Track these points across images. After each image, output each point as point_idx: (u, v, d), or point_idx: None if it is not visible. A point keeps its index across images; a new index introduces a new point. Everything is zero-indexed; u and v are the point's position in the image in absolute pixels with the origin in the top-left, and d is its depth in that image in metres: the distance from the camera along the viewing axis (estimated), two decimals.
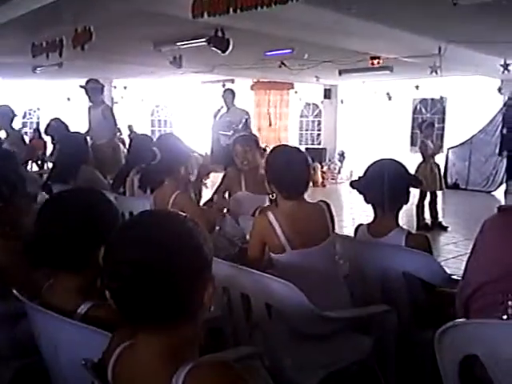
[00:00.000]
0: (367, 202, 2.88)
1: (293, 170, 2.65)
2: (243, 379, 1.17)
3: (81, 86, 7.33)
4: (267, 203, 4.13)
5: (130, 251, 1.23)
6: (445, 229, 8.72)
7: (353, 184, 2.90)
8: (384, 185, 2.75)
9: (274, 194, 2.72)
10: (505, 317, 1.48)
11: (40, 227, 1.82)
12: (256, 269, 2.43)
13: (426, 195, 8.64)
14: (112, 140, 7.08)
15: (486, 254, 1.56)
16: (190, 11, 5.71)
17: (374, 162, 2.90)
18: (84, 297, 1.74)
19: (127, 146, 6.85)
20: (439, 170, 8.96)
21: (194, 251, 1.26)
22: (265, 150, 16.48)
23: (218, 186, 4.64)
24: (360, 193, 2.86)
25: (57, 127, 6.56)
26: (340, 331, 2.39)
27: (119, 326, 1.38)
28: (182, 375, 1.14)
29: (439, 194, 9.07)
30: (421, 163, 8.79)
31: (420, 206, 8.68)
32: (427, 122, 9.25)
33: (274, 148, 2.96)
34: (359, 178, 2.88)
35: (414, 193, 8.33)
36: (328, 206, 2.69)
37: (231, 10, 5.34)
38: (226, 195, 4.62)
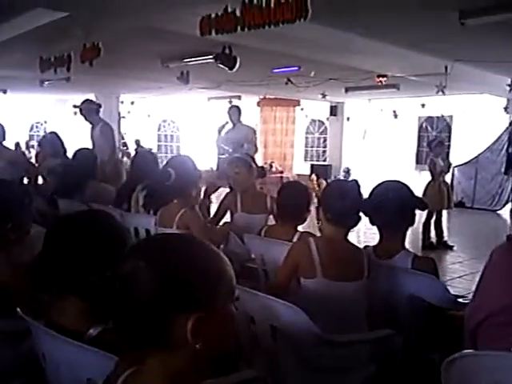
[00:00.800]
0: (372, 223, 2.87)
1: (345, 198, 2.70)
2: None
3: (75, 106, 7.32)
4: (271, 222, 4.19)
5: (125, 265, 1.23)
6: (450, 248, 8.68)
7: None
8: (389, 207, 2.75)
9: (320, 221, 2.77)
10: None
11: (47, 251, 1.82)
12: (279, 293, 2.44)
13: (433, 214, 8.61)
14: (112, 156, 7.08)
15: (494, 283, 1.54)
16: (197, 29, 5.75)
17: (379, 184, 2.90)
18: (94, 320, 1.73)
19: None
20: (448, 188, 8.89)
21: (195, 276, 1.22)
22: (271, 166, 16.42)
23: (218, 209, 4.67)
24: (365, 215, 2.85)
25: (51, 141, 6.56)
26: (346, 357, 2.37)
27: (127, 350, 1.36)
28: None
29: (444, 213, 9.02)
30: (429, 182, 8.73)
31: (427, 225, 8.65)
32: (437, 141, 9.16)
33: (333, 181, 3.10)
34: (364, 200, 2.87)
35: (422, 211, 8.33)
36: (368, 254, 2.74)
37: (239, 28, 5.37)
38: (228, 215, 4.64)
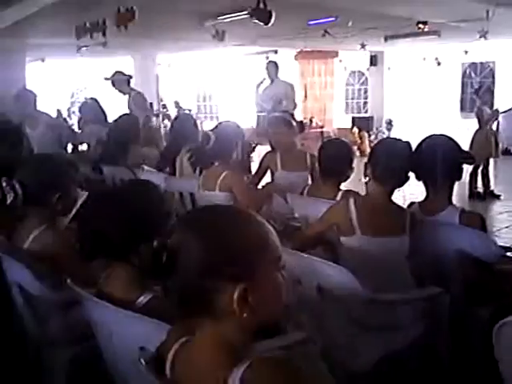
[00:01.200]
0: (418, 179, 2.82)
1: (395, 157, 2.68)
2: (301, 375, 1.17)
3: (106, 79, 7.27)
4: (309, 181, 4.17)
5: (173, 237, 1.24)
6: (497, 197, 8.52)
7: None
8: (437, 162, 2.69)
9: (368, 178, 2.73)
10: None
11: (95, 221, 1.86)
12: (306, 245, 2.57)
13: (480, 164, 8.44)
14: (146, 123, 7.00)
15: None
16: None
17: (426, 138, 2.84)
18: (143, 287, 1.77)
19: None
20: (495, 136, 8.69)
21: (237, 250, 1.23)
22: (311, 121, 16.24)
23: (258, 168, 4.67)
24: (412, 170, 2.80)
25: (92, 107, 6.58)
26: (393, 315, 2.37)
27: (178, 319, 1.39)
28: (240, 373, 1.13)
29: (491, 161, 8.83)
30: (477, 130, 8.59)
31: (474, 175, 8.51)
32: (485, 87, 8.92)
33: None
34: (410, 155, 2.82)
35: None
36: (413, 212, 2.71)
37: None
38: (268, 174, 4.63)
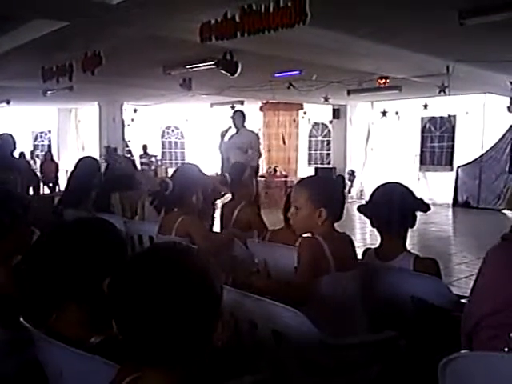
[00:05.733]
0: (373, 225, 2.87)
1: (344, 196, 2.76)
2: None
3: None
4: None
5: (136, 286, 1.25)
6: None
7: (360, 208, 2.91)
8: (391, 208, 2.75)
9: (322, 217, 2.58)
10: (506, 349, 1.47)
11: (42, 260, 1.82)
12: (304, 296, 2.44)
13: None
14: None
15: (489, 284, 1.54)
16: (198, 35, 5.79)
17: (380, 186, 2.90)
18: (94, 328, 1.74)
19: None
20: None
21: (203, 290, 1.25)
22: (275, 170, 16.34)
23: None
24: (367, 217, 2.85)
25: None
26: (349, 359, 2.37)
27: (127, 358, 1.38)
28: None
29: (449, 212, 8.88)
30: None
31: None
32: None
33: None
34: (366, 202, 2.89)
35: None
36: (351, 238, 2.72)
37: (238, 34, 5.40)
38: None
